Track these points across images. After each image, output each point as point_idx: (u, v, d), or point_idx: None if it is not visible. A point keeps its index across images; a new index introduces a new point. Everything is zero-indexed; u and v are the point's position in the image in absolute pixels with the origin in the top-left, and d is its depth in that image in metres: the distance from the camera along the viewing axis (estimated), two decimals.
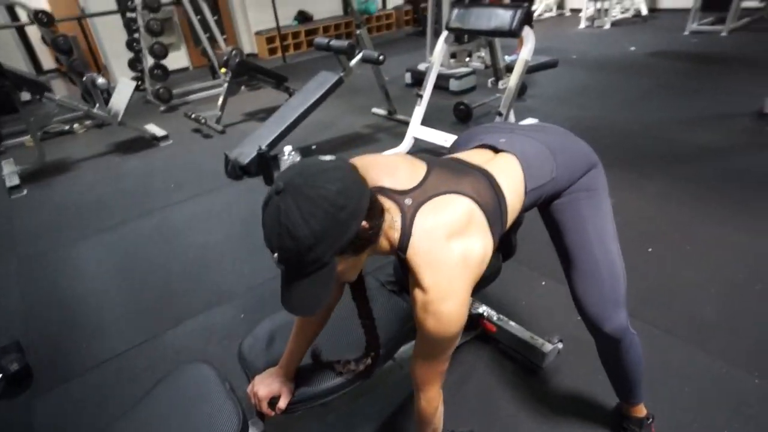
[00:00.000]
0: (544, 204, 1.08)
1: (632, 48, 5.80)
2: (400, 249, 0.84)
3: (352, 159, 0.91)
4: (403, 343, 1.31)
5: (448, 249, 0.82)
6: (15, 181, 3.53)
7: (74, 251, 2.65)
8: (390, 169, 0.91)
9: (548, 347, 1.58)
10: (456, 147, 1.16)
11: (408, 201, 0.85)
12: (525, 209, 1.03)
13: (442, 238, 0.82)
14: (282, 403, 1.05)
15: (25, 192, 3.49)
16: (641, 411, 1.30)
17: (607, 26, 7.14)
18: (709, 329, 1.69)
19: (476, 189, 0.89)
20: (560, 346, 1.61)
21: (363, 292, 1.02)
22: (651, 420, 1.31)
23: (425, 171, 0.90)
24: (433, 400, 0.95)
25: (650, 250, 2.13)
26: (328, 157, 0.80)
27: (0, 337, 1.95)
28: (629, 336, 1.11)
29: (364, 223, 0.76)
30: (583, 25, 7.36)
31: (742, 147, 3.00)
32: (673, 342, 1.66)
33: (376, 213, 0.80)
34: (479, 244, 0.85)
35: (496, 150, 1.03)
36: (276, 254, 0.75)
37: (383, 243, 0.85)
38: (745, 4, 6.00)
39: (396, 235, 0.84)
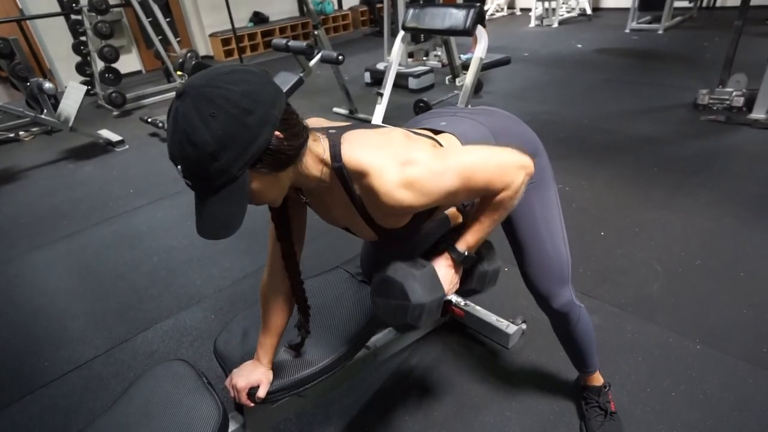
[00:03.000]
0: None
1: (579, 45, 6.09)
2: (334, 159, 0.81)
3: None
4: (375, 332, 1.36)
5: (384, 139, 0.84)
6: None
7: (30, 262, 2.54)
8: (322, 122, 0.92)
9: (513, 328, 1.67)
10: None
11: (333, 131, 0.85)
12: None
13: (372, 135, 0.84)
14: (261, 392, 1.06)
15: None
16: (598, 380, 1.41)
17: (555, 25, 7.46)
18: (657, 303, 1.84)
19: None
20: (524, 326, 1.71)
21: (285, 220, 0.96)
22: (608, 388, 1.42)
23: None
24: (508, 185, 0.85)
25: (602, 233, 2.28)
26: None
27: None
28: (576, 309, 1.20)
29: (277, 133, 0.71)
30: (532, 23, 7.64)
31: (679, 136, 3.24)
32: (626, 317, 1.79)
33: (293, 126, 0.75)
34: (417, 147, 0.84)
35: (437, 132, 1.02)
36: (179, 166, 0.69)
37: (310, 165, 0.81)
38: (677, 4, 6.44)
39: (325, 152, 0.81)
